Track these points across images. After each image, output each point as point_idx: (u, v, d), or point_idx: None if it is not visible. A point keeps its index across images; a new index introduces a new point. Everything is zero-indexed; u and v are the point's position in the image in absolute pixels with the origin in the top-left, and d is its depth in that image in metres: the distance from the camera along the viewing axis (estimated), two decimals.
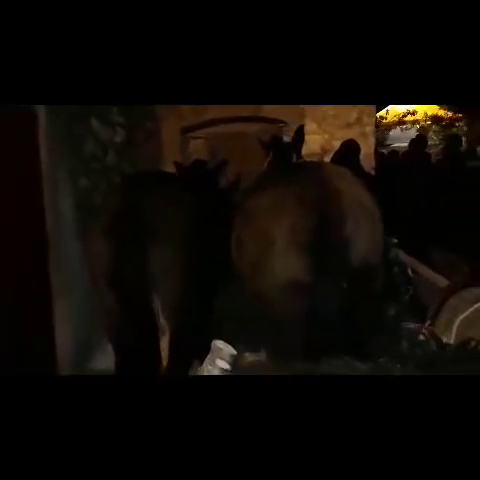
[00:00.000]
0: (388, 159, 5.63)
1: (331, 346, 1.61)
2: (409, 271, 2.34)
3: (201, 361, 2.78)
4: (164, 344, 1.99)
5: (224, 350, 1.43)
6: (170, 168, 4.10)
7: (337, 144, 4.03)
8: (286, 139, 4.56)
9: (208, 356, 1.46)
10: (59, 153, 2.61)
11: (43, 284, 2.53)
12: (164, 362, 1.88)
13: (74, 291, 2.63)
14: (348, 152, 3.47)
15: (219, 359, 1.42)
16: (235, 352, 1.47)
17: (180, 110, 4.23)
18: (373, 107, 4.13)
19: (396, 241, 2.45)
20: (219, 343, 1.45)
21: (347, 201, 1.63)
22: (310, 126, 4.14)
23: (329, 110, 4.05)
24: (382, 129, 10.21)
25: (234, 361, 1.45)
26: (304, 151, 4.19)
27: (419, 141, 5.59)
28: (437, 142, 10.60)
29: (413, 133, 9.39)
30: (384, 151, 7.53)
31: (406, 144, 8.00)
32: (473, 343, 1.12)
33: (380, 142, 10.05)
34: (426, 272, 2.23)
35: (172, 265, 1.76)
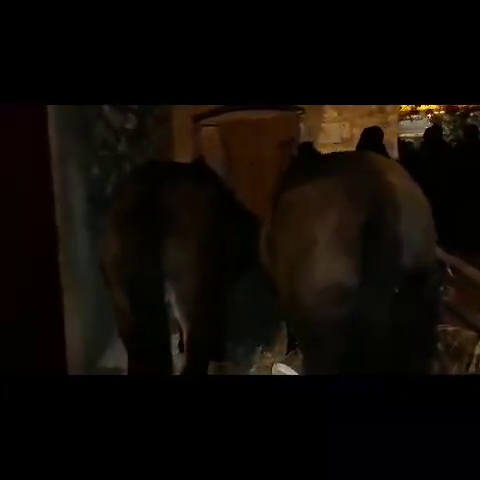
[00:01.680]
0: (405, 149, 5.43)
1: (374, 356, 1.47)
2: (449, 270, 2.17)
3: (219, 361, 2.71)
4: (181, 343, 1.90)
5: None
6: (181, 156, 3.95)
7: (357, 133, 3.85)
8: (302, 127, 4.39)
9: None
10: (69, 141, 2.44)
11: (52, 279, 2.40)
12: (182, 362, 1.79)
13: (84, 286, 2.50)
14: (371, 139, 3.29)
15: None
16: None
17: None
18: None
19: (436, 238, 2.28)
20: (281, 367, 1.29)
21: (400, 195, 1.44)
22: (330, 114, 3.96)
23: None
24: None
25: None
26: (323, 139, 4.03)
27: (434, 131, 5.40)
28: (448, 132, 10.39)
29: (422, 123, 9.19)
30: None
31: (414, 135, 7.81)
32: None
33: None
34: (471, 272, 2.06)
35: (188, 260, 1.65)
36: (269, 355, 2.65)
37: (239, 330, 2.78)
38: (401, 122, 10.66)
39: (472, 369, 1.45)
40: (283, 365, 1.31)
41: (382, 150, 3.15)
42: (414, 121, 10.41)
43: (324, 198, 1.51)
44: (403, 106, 10.07)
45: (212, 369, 2.53)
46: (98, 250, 1.84)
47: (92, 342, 2.57)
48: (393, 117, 3.93)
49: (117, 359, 2.24)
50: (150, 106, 3.69)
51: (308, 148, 2.55)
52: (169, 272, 1.62)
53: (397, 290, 1.42)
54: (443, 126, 10.87)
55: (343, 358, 1.47)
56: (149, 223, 1.62)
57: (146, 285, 1.61)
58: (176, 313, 1.69)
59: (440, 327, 2.30)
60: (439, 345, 2.29)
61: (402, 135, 9.53)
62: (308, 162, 2.02)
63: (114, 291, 1.70)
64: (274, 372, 1.31)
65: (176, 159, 4.02)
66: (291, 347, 2.61)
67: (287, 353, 2.63)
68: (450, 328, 2.25)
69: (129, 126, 3.25)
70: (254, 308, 2.98)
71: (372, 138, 3.12)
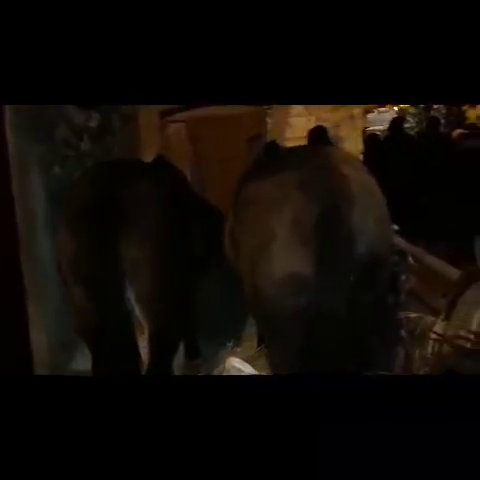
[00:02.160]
0: (371, 142, 5.54)
1: (335, 344, 1.50)
2: (410, 260, 2.23)
3: (190, 359, 2.70)
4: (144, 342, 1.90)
5: (244, 372, 1.27)
6: (148, 153, 3.91)
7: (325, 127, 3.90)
8: (269, 122, 4.42)
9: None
10: (28, 141, 2.38)
11: (15, 283, 2.34)
12: (145, 360, 1.79)
13: (48, 288, 2.45)
14: (317, 138, 3.30)
15: None
16: (255, 372, 1.32)
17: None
18: None
19: (397, 228, 2.34)
20: (235, 362, 1.29)
21: (354, 188, 1.49)
22: (296, 108, 3.98)
23: None
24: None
25: None
26: (289, 134, 4.06)
27: (396, 125, 5.54)
28: (414, 124, 10.65)
29: (389, 116, 9.37)
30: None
31: (382, 127, 7.97)
32: None
33: None
34: (434, 262, 2.12)
35: (145, 259, 1.67)
36: (239, 350, 2.67)
37: (209, 327, 2.79)
38: (369, 115, 10.88)
39: (429, 350, 1.50)
40: (237, 359, 1.32)
41: (320, 145, 3.17)
42: (381, 114, 10.61)
43: (280, 193, 1.54)
44: None
45: (184, 367, 2.54)
46: (55, 250, 1.82)
47: (59, 345, 2.53)
48: (358, 111, 3.99)
49: (83, 363, 2.21)
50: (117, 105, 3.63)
51: (272, 145, 2.58)
52: (127, 271, 1.62)
53: (352, 278, 1.46)
54: (409, 119, 11.15)
55: (305, 349, 1.51)
56: (105, 223, 1.61)
57: (105, 284, 1.61)
58: (137, 312, 1.68)
59: (403, 314, 2.37)
60: (402, 332, 2.36)
61: (370, 128, 9.72)
62: (269, 158, 2.05)
63: (72, 291, 1.68)
64: (227, 366, 1.32)
65: (143, 157, 3.97)
66: (261, 341, 2.64)
67: (258, 346, 2.66)
68: (413, 315, 2.31)
69: (93, 124, 3.19)
70: (224, 305, 2.99)
71: (318, 137, 3.16)
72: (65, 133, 2.76)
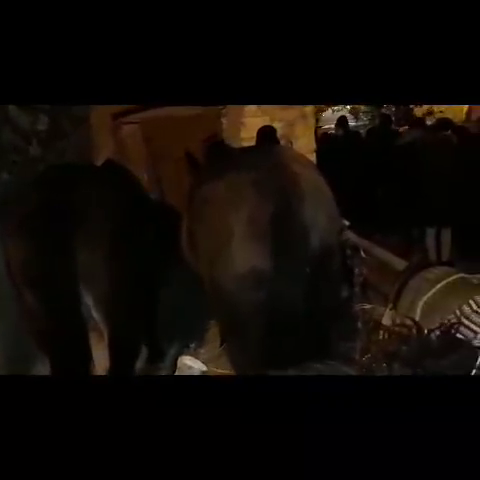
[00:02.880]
0: (324, 141, 5.69)
1: (294, 336, 1.55)
2: (362, 253, 2.32)
3: (153, 364, 2.68)
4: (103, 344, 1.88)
5: (194, 368, 1.29)
6: (102, 155, 3.84)
7: (278, 126, 3.96)
8: (224, 122, 4.43)
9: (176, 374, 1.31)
10: None
11: None
12: (106, 362, 1.77)
13: (2, 294, 2.35)
14: (265, 137, 3.35)
15: None
16: (205, 368, 1.34)
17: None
18: None
19: (347, 223, 2.43)
20: (187, 359, 1.31)
21: (304, 185, 1.55)
22: (250, 108, 4.02)
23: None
24: (316, 111, 10.37)
25: None
26: (244, 134, 4.09)
27: (342, 122, 5.71)
28: (367, 122, 11.01)
29: (342, 114, 9.63)
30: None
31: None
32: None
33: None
34: (382, 254, 2.22)
35: (101, 259, 1.67)
36: (202, 351, 2.68)
37: (171, 330, 2.78)
38: (323, 114, 11.15)
39: (380, 337, 1.57)
40: (189, 357, 1.34)
41: (273, 145, 3.22)
42: (335, 112, 10.89)
43: (236, 192, 1.58)
44: None
45: (146, 371, 2.52)
46: (3, 254, 1.77)
47: (17, 354, 2.44)
48: (310, 109, 4.08)
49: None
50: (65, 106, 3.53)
51: (220, 145, 2.62)
52: (83, 275, 1.61)
53: (308, 270, 1.53)
54: (362, 116, 11.52)
55: (265, 342, 1.55)
56: (56, 226, 1.59)
57: (58, 288, 1.58)
58: (95, 316, 1.67)
59: (358, 306, 2.46)
60: (358, 324, 2.46)
61: (326, 126, 9.95)
62: (221, 158, 2.08)
63: (24, 295, 1.65)
64: (180, 365, 1.34)
65: (96, 159, 3.90)
66: (223, 340, 2.67)
67: (220, 346, 2.68)
68: (367, 306, 2.41)
69: (41, 127, 3.09)
70: (185, 306, 2.99)
71: (266, 136, 3.21)
72: (11, 137, 2.66)
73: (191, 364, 1.34)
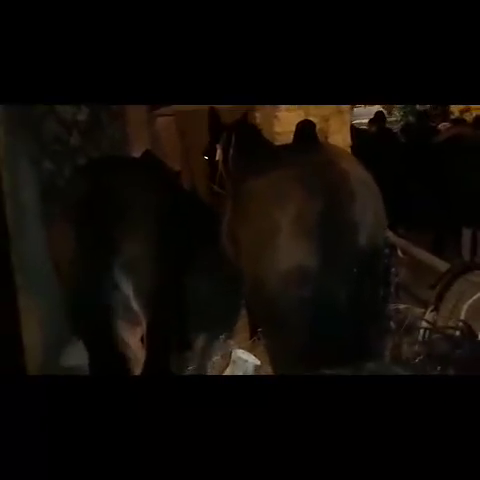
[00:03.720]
0: (359, 136, 5.59)
1: (336, 336, 1.53)
2: (399, 252, 2.29)
3: (182, 355, 2.72)
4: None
5: (249, 362, 1.28)
6: (137, 147, 3.89)
7: (313, 121, 3.91)
8: (258, 116, 4.41)
9: (228, 369, 1.31)
10: (18, 137, 2.35)
11: (6, 279, 2.33)
12: (141, 356, 1.80)
13: (40, 285, 2.43)
14: (304, 132, 3.29)
15: (243, 373, 1.26)
16: (259, 362, 1.34)
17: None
18: None
19: (386, 221, 2.39)
20: (240, 353, 1.31)
21: (354, 182, 1.53)
22: None
23: None
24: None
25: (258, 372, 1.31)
26: (278, 128, 4.06)
27: (379, 118, 5.59)
28: (399, 118, 10.74)
29: (375, 109, 9.43)
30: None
31: (367, 120, 8.04)
32: None
33: None
34: (421, 254, 2.18)
35: (144, 252, 1.68)
36: (232, 342, 2.70)
37: (201, 319, 2.81)
38: (355, 109, 10.94)
39: (419, 338, 1.55)
40: (241, 351, 1.34)
41: (315, 141, 3.17)
42: (367, 107, 10.68)
43: (283, 188, 1.57)
44: None
45: (175, 360, 2.56)
46: (50, 245, 1.81)
47: (50, 341, 2.52)
48: (345, 106, 4.01)
49: (78, 357, 2.22)
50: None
51: (257, 137, 2.60)
52: (125, 265, 1.63)
53: (355, 270, 1.50)
54: (395, 112, 11.24)
55: (307, 341, 1.54)
56: (102, 218, 1.62)
57: (99, 278, 1.61)
58: (135, 306, 1.69)
59: (392, 306, 2.43)
60: (392, 323, 2.43)
61: (357, 121, 9.77)
62: (262, 152, 2.07)
63: (65, 283, 1.69)
64: (234, 358, 1.34)
65: (132, 150, 3.96)
66: (254, 333, 2.68)
67: (250, 338, 2.70)
68: (401, 306, 2.37)
69: (81, 118, 3.16)
70: (215, 297, 3.01)
71: (305, 131, 3.16)
72: (55, 128, 2.73)
73: (246, 358, 1.34)
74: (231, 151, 2.60)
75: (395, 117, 11.03)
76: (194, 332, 2.75)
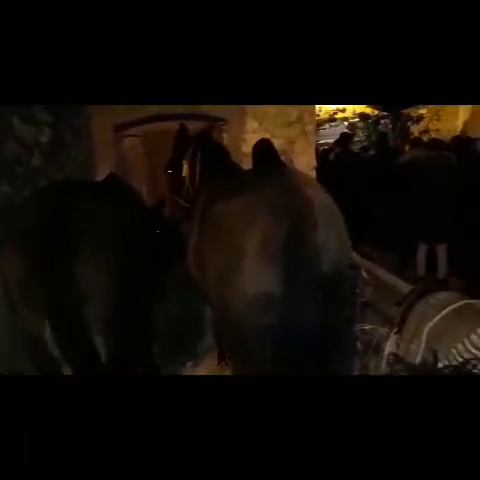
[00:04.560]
0: (325, 157, 5.73)
1: (302, 359, 1.53)
2: (364, 273, 2.33)
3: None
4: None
5: None
6: (103, 168, 3.84)
7: (278, 143, 3.98)
8: (225, 137, 4.45)
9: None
10: None
11: None
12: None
13: None
14: (261, 151, 3.30)
15: None
16: None
17: (112, 106, 3.91)
18: (314, 105, 4.13)
19: (349, 243, 2.43)
20: None
21: (317, 208, 1.56)
22: (251, 125, 4.05)
23: (270, 109, 3.98)
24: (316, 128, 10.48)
25: None
26: (246, 149, 4.11)
27: (344, 139, 5.77)
28: (363, 138, 11.11)
29: (340, 130, 9.74)
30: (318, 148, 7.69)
31: (332, 140, 8.28)
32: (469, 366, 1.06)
33: None
34: (384, 275, 2.22)
35: (100, 279, 1.63)
36: (199, 369, 2.65)
37: (167, 346, 2.75)
38: (320, 130, 11.24)
39: (383, 368, 1.56)
40: None
41: (276, 159, 3.18)
42: (332, 128, 11.00)
43: (250, 213, 1.58)
44: (324, 114, 10.63)
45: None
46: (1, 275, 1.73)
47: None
48: (311, 127, 4.11)
49: None
50: (66, 117, 3.54)
51: (222, 154, 2.62)
52: (84, 293, 1.58)
53: (319, 294, 1.51)
54: (359, 132, 11.64)
55: (274, 365, 1.53)
56: (58, 243, 1.56)
57: (63, 306, 1.55)
58: (93, 333, 1.63)
59: (358, 326, 2.45)
60: (358, 344, 2.45)
61: (322, 141, 10.04)
62: (229, 172, 2.08)
63: (22, 315, 1.60)
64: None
65: (98, 172, 3.89)
66: (222, 359, 2.64)
67: (218, 364, 2.66)
68: (367, 327, 2.40)
69: (44, 140, 3.09)
70: (181, 322, 2.96)
71: (263, 151, 3.17)
72: (14, 149, 2.65)
73: None
74: (198, 167, 2.61)
75: (358, 137, 11.41)
76: (160, 360, 2.68)
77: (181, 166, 2.79)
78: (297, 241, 1.48)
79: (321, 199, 1.63)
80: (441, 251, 4.35)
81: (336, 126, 10.87)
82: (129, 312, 1.76)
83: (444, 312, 1.46)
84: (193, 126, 4.18)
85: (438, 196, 4.04)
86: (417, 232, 4.47)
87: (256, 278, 1.50)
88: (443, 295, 1.56)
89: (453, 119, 10.20)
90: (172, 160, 2.84)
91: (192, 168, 2.68)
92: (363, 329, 2.44)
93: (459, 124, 10.23)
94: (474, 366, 1.04)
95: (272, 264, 1.49)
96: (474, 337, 1.25)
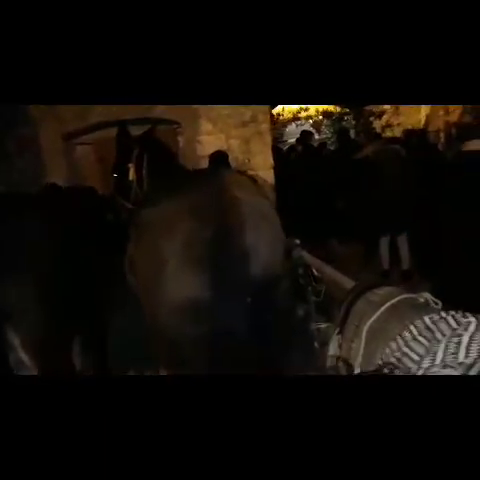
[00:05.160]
0: (286, 156, 5.71)
1: (241, 365, 1.47)
2: (314, 271, 2.27)
3: None
4: None
5: None
6: (55, 177, 3.71)
7: (234, 143, 3.94)
8: (180, 141, 4.37)
9: None
10: None
11: None
12: None
13: None
14: (218, 162, 3.30)
15: None
16: None
17: (59, 114, 3.77)
18: (267, 105, 4.09)
19: (298, 242, 2.38)
20: None
21: (245, 209, 1.48)
22: (205, 127, 3.99)
23: (223, 110, 3.92)
24: (279, 126, 10.50)
25: None
26: (201, 152, 4.04)
27: (304, 138, 5.77)
28: (330, 135, 11.21)
29: (307, 128, 9.78)
30: (282, 147, 7.69)
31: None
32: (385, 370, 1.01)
33: (278, 139, 10.34)
34: (331, 273, 2.17)
35: (30, 299, 1.55)
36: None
37: (121, 359, 2.64)
38: (287, 128, 11.28)
39: (330, 371, 1.50)
40: None
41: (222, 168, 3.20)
42: (299, 127, 11.06)
43: (172, 217, 1.50)
44: (288, 113, 10.66)
45: None
46: None
47: None
48: (265, 126, 4.08)
49: None
50: (9, 126, 3.40)
51: (169, 161, 2.53)
52: (9, 312, 1.48)
53: (249, 300, 1.44)
54: (325, 129, 11.74)
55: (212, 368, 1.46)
56: None
57: None
58: (21, 353, 1.53)
59: (314, 325, 2.40)
60: (315, 343, 2.40)
61: (292, 140, 10.06)
62: (171, 178, 2.00)
63: None
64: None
65: (48, 181, 3.75)
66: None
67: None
68: (323, 325, 2.35)
69: None
70: (121, 333, 2.85)
71: (218, 161, 3.17)
72: None
73: None
74: (144, 170, 2.52)
75: (325, 134, 11.51)
76: (113, 370, 2.56)
77: (127, 169, 2.70)
78: (222, 244, 1.41)
79: (251, 200, 1.56)
80: (402, 242, 4.39)
81: (302, 125, 10.92)
82: (60, 332, 1.66)
83: (383, 308, 1.40)
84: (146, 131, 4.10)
85: (391, 188, 4.07)
86: (377, 225, 4.49)
87: (179, 285, 1.43)
88: (383, 290, 1.50)
89: (415, 113, 10.40)
90: (117, 164, 2.74)
91: (139, 171, 2.59)
92: (318, 328, 2.39)
93: (421, 118, 10.43)
94: (391, 370, 0.99)
95: (196, 269, 1.41)
96: (407, 334, 1.20)
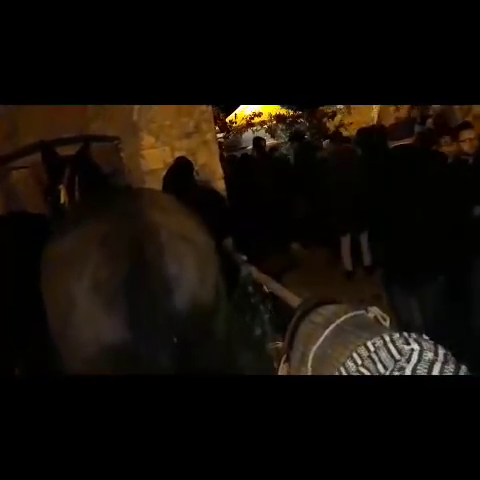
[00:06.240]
0: (239, 164, 5.58)
1: None
2: (265, 288, 2.13)
3: None
4: None
5: None
6: None
7: (179, 155, 3.75)
8: (123, 156, 4.15)
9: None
10: None
11: None
12: None
13: None
14: (178, 172, 3.14)
15: None
16: None
17: None
18: (210, 113, 3.94)
19: (246, 258, 2.23)
20: None
21: (164, 236, 1.30)
22: (147, 140, 3.79)
23: (164, 121, 3.75)
24: (234, 133, 10.41)
25: None
26: (145, 167, 3.85)
27: (257, 144, 5.67)
28: (286, 139, 11.21)
29: (262, 134, 9.73)
30: (237, 155, 7.56)
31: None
32: None
33: (234, 146, 10.24)
34: (279, 290, 2.02)
35: None
36: None
37: None
38: (243, 135, 11.21)
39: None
40: None
41: (190, 179, 3.04)
42: (255, 133, 11.01)
43: (80, 251, 1.30)
44: (241, 119, 10.58)
45: None
46: None
47: None
48: (210, 135, 3.92)
49: None
50: None
51: (102, 185, 2.33)
52: None
53: (175, 339, 1.26)
54: (280, 133, 11.76)
55: None
56: None
57: None
58: None
59: (271, 345, 2.26)
60: (274, 363, 2.25)
61: (250, 147, 9.98)
62: (78, 207, 1.80)
63: None
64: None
65: None
66: None
67: None
68: (280, 344, 2.21)
69: None
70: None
71: (178, 171, 3.02)
72: None
73: None
74: (77, 192, 2.31)
75: (282, 139, 11.51)
76: None
77: (59, 192, 2.48)
78: (138, 279, 1.22)
79: (171, 223, 1.38)
80: (363, 240, 4.42)
81: (258, 131, 10.87)
82: None
83: (327, 332, 1.26)
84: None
85: (347, 188, 4.02)
86: (338, 226, 4.46)
87: (92, 332, 1.23)
88: (327, 310, 1.36)
89: (367, 111, 10.54)
90: (49, 186, 2.51)
91: (71, 193, 2.38)
92: (276, 347, 2.25)
93: (374, 115, 10.58)
94: None
95: (109, 310, 1.22)
96: (350, 364, 1.06)
